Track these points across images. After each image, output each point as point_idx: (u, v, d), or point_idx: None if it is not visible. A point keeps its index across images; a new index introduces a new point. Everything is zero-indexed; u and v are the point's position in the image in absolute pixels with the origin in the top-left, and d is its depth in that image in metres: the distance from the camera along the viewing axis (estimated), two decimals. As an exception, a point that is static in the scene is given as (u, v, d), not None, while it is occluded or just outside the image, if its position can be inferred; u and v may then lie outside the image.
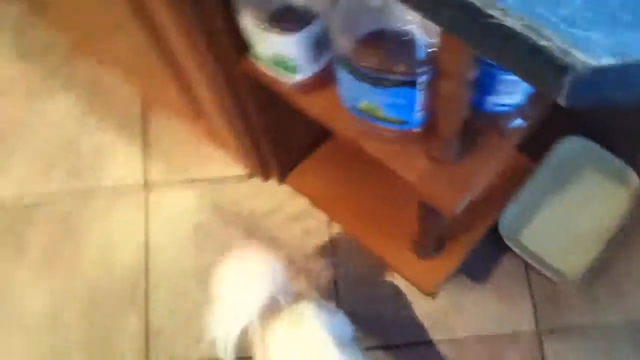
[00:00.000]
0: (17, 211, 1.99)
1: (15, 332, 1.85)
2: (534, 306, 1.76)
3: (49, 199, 1.99)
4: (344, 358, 1.33)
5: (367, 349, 1.74)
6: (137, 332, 1.82)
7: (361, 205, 1.78)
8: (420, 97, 1.06)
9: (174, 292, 1.83)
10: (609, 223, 1.77)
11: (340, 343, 1.38)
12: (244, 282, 1.40)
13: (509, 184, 1.76)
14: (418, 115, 1.11)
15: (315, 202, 1.83)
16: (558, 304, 1.75)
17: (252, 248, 1.41)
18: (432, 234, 1.51)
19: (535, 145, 1.78)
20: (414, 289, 1.75)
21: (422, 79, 1.03)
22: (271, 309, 1.40)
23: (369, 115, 1.14)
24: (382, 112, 1.11)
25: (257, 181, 1.94)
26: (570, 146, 1.81)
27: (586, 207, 1.81)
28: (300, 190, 1.84)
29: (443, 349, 1.74)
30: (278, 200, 1.91)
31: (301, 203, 1.88)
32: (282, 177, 1.85)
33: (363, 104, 1.12)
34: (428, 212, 1.35)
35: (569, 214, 1.81)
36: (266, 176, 1.87)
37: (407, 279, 1.72)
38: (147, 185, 1.98)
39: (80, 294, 1.87)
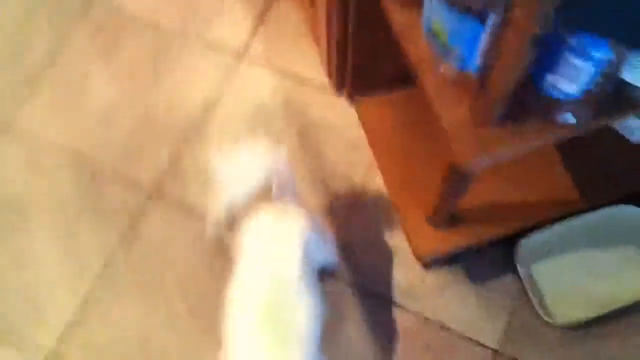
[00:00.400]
0: (126, 20, 2.15)
1: (71, 109, 2.03)
2: (508, 329, 1.76)
3: (157, 23, 2.15)
4: (302, 276, 1.38)
5: (337, 278, 1.80)
6: (160, 164, 1.95)
7: (407, 160, 1.83)
8: (484, 38, 1.10)
9: (209, 147, 1.93)
10: (625, 295, 1.74)
11: (309, 261, 1.43)
12: (250, 160, 1.48)
13: (550, 211, 1.75)
14: (477, 58, 1.15)
15: (370, 135, 1.89)
16: (530, 340, 1.75)
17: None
18: (450, 199, 1.54)
19: (596, 196, 1.78)
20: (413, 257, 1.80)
21: (493, 19, 1.06)
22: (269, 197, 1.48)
23: (436, 40, 1.19)
24: (447, 39, 1.15)
25: (334, 98, 2.01)
26: (627, 211, 1.78)
27: (610, 272, 1.79)
28: (362, 117, 1.91)
29: (403, 316, 1.78)
30: (343, 123, 1.99)
31: (361, 136, 1.95)
32: (353, 96, 1.92)
33: (435, 23, 1.17)
34: (452, 173, 1.38)
35: (589, 270, 1.80)
36: (339, 87, 1.95)
37: (408, 238, 1.77)
38: (241, 54, 2.10)
39: (138, 108, 2.03)
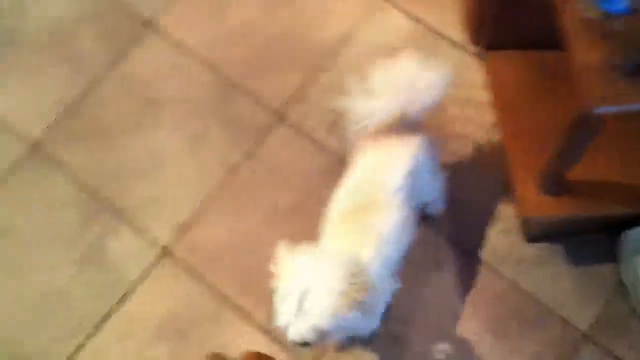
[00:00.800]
0: None
1: (212, 19, 2.11)
2: (600, 316, 1.72)
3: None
4: (400, 190, 1.44)
5: (438, 230, 1.82)
6: (289, 87, 2.01)
7: (530, 121, 1.80)
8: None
9: (338, 78, 1.94)
10: None
11: (415, 184, 1.48)
12: (394, 83, 1.49)
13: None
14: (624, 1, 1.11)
15: (495, 92, 1.88)
16: (621, 331, 1.71)
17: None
18: (566, 159, 1.52)
19: None
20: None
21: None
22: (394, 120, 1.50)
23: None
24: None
25: (462, 55, 2.01)
26: None
27: None
28: (490, 73, 1.90)
29: (496, 281, 1.77)
30: (468, 80, 1.98)
31: (484, 96, 1.94)
32: (486, 51, 1.91)
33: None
34: (575, 122, 1.36)
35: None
36: (475, 40, 1.94)
37: (517, 197, 1.76)
38: (387, -5, 2.10)
39: (276, 28, 2.09)
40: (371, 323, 1.52)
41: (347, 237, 1.41)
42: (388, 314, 1.64)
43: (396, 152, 1.48)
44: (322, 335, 1.27)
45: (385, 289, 1.48)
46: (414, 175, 1.46)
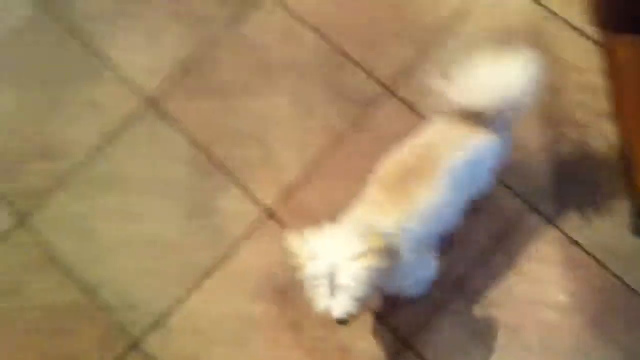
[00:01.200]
0: None
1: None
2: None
3: None
4: (448, 186, 1.44)
5: (544, 215, 1.79)
6: (399, 60, 2.01)
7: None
8: None
9: (449, 55, 1.95)
10: None
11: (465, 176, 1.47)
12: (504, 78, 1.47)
13: None
14: None
15: (615, 79, 1.82)
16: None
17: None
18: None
19: None
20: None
21: None
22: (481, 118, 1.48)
23: None
24: None
25: (582, 39, 1.96)
26: None
27: None
28: (612, 60, 1.84)
29: (600, 275, 1.74)
30: (585, 65, 1.94)
31: (599, 82, 1.89)
32: (609, 37, 1.87)
33: None
34: None
35: None
36: (598, 20, 1.90)
37: (635, 186, 1.71)
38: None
39: (389, 3, 2.09)
40: (412, 286, 1.57)
41: (383, 201, 1.43)
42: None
43: (464, 137, 1.48)
44: (364, 302, 1.33)
45: (415, 258, 1.48)
46: (471, 166, 1.47)
